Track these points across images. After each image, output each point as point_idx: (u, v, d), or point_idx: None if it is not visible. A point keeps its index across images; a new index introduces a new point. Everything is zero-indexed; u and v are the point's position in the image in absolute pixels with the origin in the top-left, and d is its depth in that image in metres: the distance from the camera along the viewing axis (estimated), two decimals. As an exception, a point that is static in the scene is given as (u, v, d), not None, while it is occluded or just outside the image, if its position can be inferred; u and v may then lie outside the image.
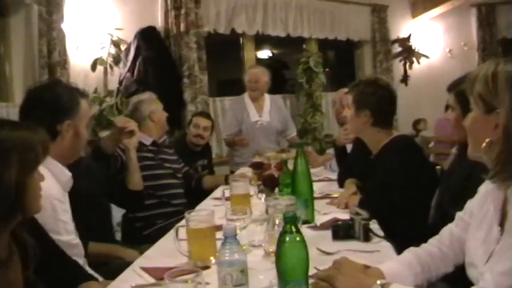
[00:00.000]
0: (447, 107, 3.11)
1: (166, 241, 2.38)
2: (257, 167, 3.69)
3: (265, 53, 8.70)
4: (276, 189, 2.86)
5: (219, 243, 1.84)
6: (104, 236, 2.85)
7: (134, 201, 3.31)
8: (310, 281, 1.53)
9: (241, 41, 7.27)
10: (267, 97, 5.61)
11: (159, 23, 6.18)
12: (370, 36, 8.23)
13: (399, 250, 1.96)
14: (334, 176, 3.71)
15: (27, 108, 2.35)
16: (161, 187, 3.74)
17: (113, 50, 5.64)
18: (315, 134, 7.28)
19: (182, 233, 2.07)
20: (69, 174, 2.29)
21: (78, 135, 2.39)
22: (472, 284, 1.54)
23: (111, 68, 5.66)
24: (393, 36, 8.43)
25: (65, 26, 5.12)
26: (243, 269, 1.52)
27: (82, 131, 2.42)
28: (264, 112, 5.54)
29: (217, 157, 6.44)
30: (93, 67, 5.49)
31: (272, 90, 5.80)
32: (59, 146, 2.23)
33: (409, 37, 8.50)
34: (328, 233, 2.30)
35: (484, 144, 1.51)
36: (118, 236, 3.60)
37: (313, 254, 1.56)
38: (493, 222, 1.57)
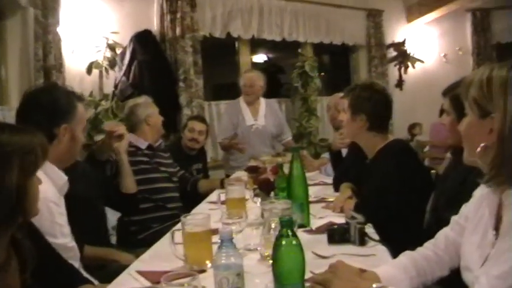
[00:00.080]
0: (442, 112, 3.13)
1: (162, 245, 2.38)
2: (253, 171, 3.69)
3: (260, 57, 8.71)
4: (272, 193, 2.86)
5: (214, 247, 1.85)
6: (99, 239, 2.85)
7: (129, 204, 3.31)
8: (306, 284, 1.53)
9: (236, 45, 7.28)
10: (262, 101, 5.61)
11: (154, 26, 6.19)
12: (365, 40, 8.25)
13: (394, 254, 1.96)
14: (330, 180, 3.72)
15: (24, 112, 2.35)
16: (156, 191, 3.74)
17: (108, 54, 5.64)
18: (310, 138, 7.29)
19: (178, 236, 2.07)
20: (65, 177, 2.29)
21: (74, 139, 2.39)
22: (467, 288, 1.55)
23: (107, 71, 5.65)
24: (388, 41, 8.46)
25: (60, 29, 5.11)
26: (240, 272, 1.52)
27: (79, 135, 2.42)
28: (260, 116, 5.53)
29: (213, 161, 6.44)
30: (89, 71, 5.49)
31: (267, 95, 5.80)
32: (55, 150, 2.23)
33: (404, 42, 8.53)
34: (324, 237, 2.30)
35: (478, 149, 1.51)
36: (113, 239, 3.59)
37: (309, 258, 1.56)
38: (488, 226, 1.57)
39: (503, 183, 1.48)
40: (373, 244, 2.21)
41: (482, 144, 1.50)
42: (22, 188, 1.55)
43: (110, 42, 5.62)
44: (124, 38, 5.75)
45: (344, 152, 3.84)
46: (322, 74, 7.95)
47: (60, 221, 2.18)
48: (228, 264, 1.52)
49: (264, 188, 2.89)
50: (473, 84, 1.53)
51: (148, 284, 1.88)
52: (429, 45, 8.81)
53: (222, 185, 3.84)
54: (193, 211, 3.10)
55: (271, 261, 1.53)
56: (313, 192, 3.19)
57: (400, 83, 8.63)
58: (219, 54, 7.59)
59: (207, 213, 2.13)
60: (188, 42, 6.14)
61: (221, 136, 5.61)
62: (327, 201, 3.15)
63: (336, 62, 9.27)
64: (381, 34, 8.29)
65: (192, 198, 3.86)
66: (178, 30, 6.10)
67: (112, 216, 3.53)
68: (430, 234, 1.92)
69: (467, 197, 1.78)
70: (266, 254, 1.92)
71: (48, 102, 2.35)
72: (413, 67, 8.66)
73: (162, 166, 3.86)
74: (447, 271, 1.79)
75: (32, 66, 4.97)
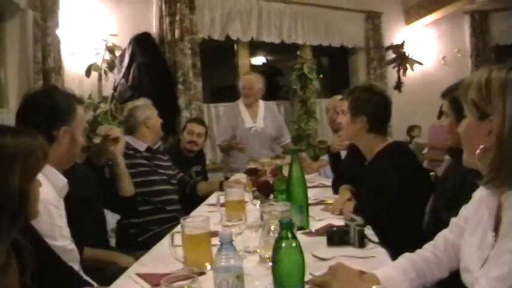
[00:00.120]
0: (440, 114, 3.13)
1: (161, 247, 2.38)
2: (252, 173, 3.69)
3: (259, 60, 8.71)
4: (271, 196, 2.86)
5: (214, 249, 1.85)
6: (98, 242, 2.84)
7: (127, 207, 3.31)
8: (306, 286, 1.54)
9: (235, 48, 7.28)
10: (261, 103, 5.61)
11: (153, 29, 6.18)
12: (364, 42, 8.25)
13: (394, 256, 1.97)
14: (329, 182, 3.72)
15: (24, 114, 2.35)
16: (156, 193, 3.74)
17: (107, 56, 5.64)
18: (309, 140, 7.28)
19: (177, 239, 2.07)
20: (65, 180, 2.29)
21: (74, 141, 2.40)
22: (467, 290, 1.55)
23: (106, 74, 5.65)
24: (387, 43, 8.46)
25: (59, 31, 5.11)
26: (239, 274, 1.53)
27: (78, 137, 2.43)
28: (258, 118, 5.54)
29: (211, 163, 6.44)
30: (88, 73, 5.49)
31: (266, 97, 5.80)
32: (55, 152, 2.23)
33: (402, 44, 8.54)
34: (323, 239, 2.31)
35: (478, 151, 1.52)
36: (112, 242, 3.59)
37: (308, 260, 1.56)
38: (487, 228, 1.58)
39: (502, 184, 1.49)
40: (372, 246, 2.22)
41: (481, 146, 1.51)
42: (24, 190, 1.55)
43: (109, 44, 5.62)
44: (123, 40, 5.75)
45: (343, 154, 3.84)
46: (321, 76, 7.96)
47: (60, 223, 2.18)
48: (227, 266, 1.52)
49: (263, 190, 2.89)
50: (472, 86, 1.54)
51: (148, 286, 1.88)
52: (428, 48, 8.82)
53: (221, 188, 3.85)
54: (193, 213, 3.10)
55: (271, 264, 1.53)
56: (312, 194, 3.19)
57: (398, 85, 8.63)
58: (218, 57, 7.59)
59: (206, 216, 2.14)
60: (187, 45, 6.14)
61: (220, 138, 5.60)
62: (326, 203, 3.15)
63: (334, 64, 9.27)
64: (380, 36, 8.29)
65: (191, 200, 3.86)
66: (177, 33, 6.10)
67: (111, 219, 3.53)
68: (430, 236, 1.92)
69: (466, 198, 1.79)
70: (266, 256, 1.92)
71: (48, 105, 2.36)
72: (412, 69, 8.66)
73: (161, 168, 3.86)
74: (446, 273, 1.79)
75: (31, 68, 4.97)
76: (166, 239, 2.27)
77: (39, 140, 1.64)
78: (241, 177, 4.17)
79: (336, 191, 3.35)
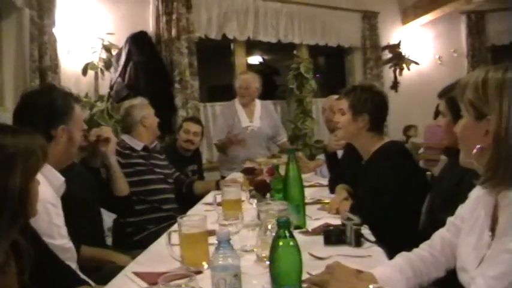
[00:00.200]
0: (436, 113, 3.15)
1: (158, 246, 2.38)
2: (249, 172, 3.69)
3: (256, 59, 8.70)
4: (268, 195, 2.86)
5: (211, 248, 1.86)
6: (95, 241, 2.84)
7: (123, 207, 3.30)
8: (304, 285, 1.54)
9: (232, 47, 7.27)
10: (257, 103, 5.61)
11: (150, 28, 6.17)
12: (361, 42, 8.25)
13: (390, 255, 1.97)
14: (325, 181, 3.73)
15: (21, 113, 2.36)
16: (152, 192, 3.73)
17: (104, 55, 5.62)
18: (306, 140, 7.29)
19: (174, 238, 2.07)
20: (62, 178, 2.29)
21: (71, 140, 2.40)
22: (463, 289, 1.56)
23: (102, 72, 5.64)
24: (383, 43, 8.47)
25: (56, 30, 5.10)
26: (237, 273, 1.53)
27: (76, 136, 2.43)
28: (255, 118, 5.53)
29: (208, 162, 6.44)
30: (84, 72, 5.47)
31: (263, 96, 5.79)
32: (52, 151, 2.22)
33: (399, 44, 8.55)
34: (320, 238, 2.31)
35: (474, 151, 1.52)
36: (109, 241, 3.58)
37: (305, 259, 1.56)
38: (484, 227, 1.58)
39: (499, 184, 1.49)
40: (369, 245, 2.23)
41: (478, 146, 1.51)
42: (24, 190, 1.55)
43: (106, 43, 5.61)
44: (120, 39, 5.74)
45: (339, 153, 3.85)
46: (318, 75, 7.95)
47: (58, 222, 2.18)
48: (225, 265, 1.52)
49: (260, 190, 2.89)
50: (469, 86, 1.54)
51: (145, 285, 1.88)
52: (424, 48, 8.84)
53: (217, 187, 3.85)
54: (189, 212, 3.10)
55: (268, 262, 1.53)
56: (308, 193, 3.19)
57: (395, 85, 8.65)
58: (215, 56, 7.58)
59: (203, 215, 2.14)
60: (184, 44, 6.13)
61: (216, 138, 5.59)
62: (322, 202, 3.16)
63: (331, 64, 9.27)
64: (376, 36, 8.30)
65: (187, 199, 3.86)
66: (173, 32, 6.09)
67: (108, 218, 3.53)
68: (426, 236, 1.93)
69: (463, 198, 1.79)
70: (263, 255, 1.93)
71: (45, 104, 2.36)
72: (409, 69, 8.68)
73: (157, 168, 3.86)
74: (443, 272, 1.80)
75: (27, 67, 4.95)
76: (163, 238, 2.27)
77: (38, 139, 1.65)
78: (238, 176, 4.17)
79: (332, 191, 3.36)
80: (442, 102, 2.53)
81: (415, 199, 2.77)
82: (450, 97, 2.35)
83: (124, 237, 3.62)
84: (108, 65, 5.66)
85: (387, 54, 8.55)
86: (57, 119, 2.36)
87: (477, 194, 1.69)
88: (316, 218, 2.77)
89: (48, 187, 2.17)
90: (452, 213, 1.83)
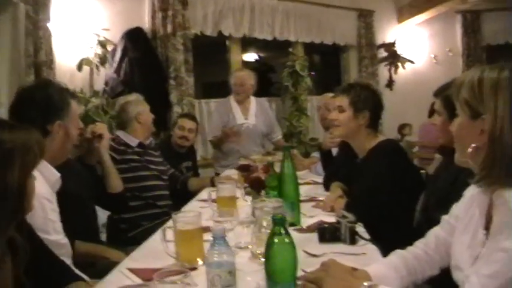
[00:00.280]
0: (431, 112, 3.16)
1: (153, 242, 2.38)
2: (244, 169, 3.70)
3: (251, 56, 8.70)
4: (263, 192, 2.87)
5: (205, 245, 1.86)
6: (89, 237, 2.83)
7: (116, 203, 3.30)
8: (298, 283, 1.54)
9: (227, 44, 7.26)
10: (252, 100, 5.60)
11: (146, 24, 6.16)
12: (356, 40, 8.26)
13: (385, 253, 1.98)
14: (320, 179, 3.73)
15: (18, 108, 2.35)
16: (146, 189, 3.73)
17: (99, 51, 5.60)
18: (300, 137, 7.29)
19: (169, 234, 2.07)
20: (58, 174, 2.29)
21: (68, 136, 2.40)
22: (457, 287, 1.56)
23: (97, 68, 5.62)
24: (379, 41, 8.47)
25: (52, 25, 5.09)
26: (232, 270, 1.53)
27: (72, 132, 2.43)
28: (250, 115, 5.53)
29: (202, 159, 6.44)
30: (79, 67, 5.45)
31: (258, 93, 5.79)
32: (49, 147, 2.22)
33: (394, 42, 8.55)
34: (315, 236, 2.32)
35: (470, 150, 1.53)
36: (103, 237, 3.58)
37: (300, 257, 1.56)
38: (478, 226, 1.59)
39: (493, 183, 1.50)
40: (363, 243, 2.23)
41: (473, 145, 1.52)
42: (22, 186, 1.55)
43: (101, 39, 5.59)
44: (115, 35, 5.73)
45: (334, 151, 3.85)
46: (313, 73, 7.95)
47: (53, 217, 2.18)
48: (220, 261, 1.52)
49: (255, 187, 2.90)
50: (465, 85, 1.55)
51: (139, 281, 1.89)
52: (419, 46, 8.84)
53: (212, 184, 3.85)
54: (184, 209, 3.10)
55: (263, 259, 1.54)
56: (303, 191, 3.19)
57: (390, 84, 8.65)
58: (210, 53, 7.57)
59: (198, 211, 2.14)
60: (179, 40, 6.12)
61: (211, 134, 5.59)
62: (317, 200, 3.16)
63: (326, 62, 9.27)
64: (372, 34, 8.30)
65: (181, 196, 3.86)
66: (169, 28, 6.08)
67: (102, 214, 3.52)
68: (420, 234, 1.93)
69: (457, 196, 1.80)
70: (257, 252, 1.93)
71: (42, 99, 2.35)
72: (404, 68, 8.68)
73: (152, 164, 3.86)
74: (437, 270, 1.81)
75: (22, 62, 4.94)
76: (157, 234, 2.27)
77: (35, 134, 1.64)
78: (232, 173, 4.17)
79: (327, 188, 3.36)
80: (437, 101, 2.54)
81: (410, 197, 2.79)
82: (446, 96, 2.36)
83: (118, 233, 3.63)
84: (103, 60, 5.64)
85: (382, 53, 8.56)
86: (53, 115, 2.35)
87: (472, 192, 1.70)
88: (310, 215, 2.78)
89: (44, 182, 2.17)
90: (446, 212, 1.83)
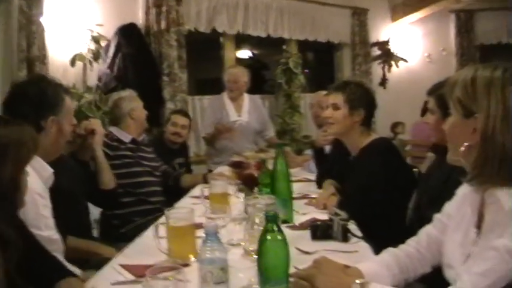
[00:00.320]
0: (423, 111, 3.17)
1: (145, 238, 2.38)
2: (237, 166, 3.70)
3: (245, 53, 8.70)
4: (255, 189, 2.87)
5: (198, 242, 1.86)
6: (81, 232, 2.83)
7: (108, 200, 3.29)
8: (290, 280, 1.55)
9: (221, 40, 7.25)
10: (246, 97, 5.60)
11: (139, 20, 6.15)
12: (350, 38, 8.26)
13: (377, 251, 1.98)
14: (313, 176, 3.74)
15: (11, 104, 2.34)
16: (139, 185, 3.73)
17: (92, 46, 5.57)
18: (293, 135, 7.30)
19: (161, 230, 2.07)
20: (51, 170, 2.28)
21: (61, 132, 2.39)
22: (449, 285, 1.56)
23: (91, 64, 5.58)
24: (373, 40, 8.48)
25: (45, 20, 5.06)
26: (224, 266, 1.53)
27: (66, 128, 2.42)
28: (243, 112, 5.53)
29: (195, 156, 6.42)
30: (73, 62, 5.42)
31: (251, 90, 5.79)
32: (42, 142, 2.21)
33: (388, 41, 8.56)
34: (307, 233, 2.32)
35: (462, 148, 1.53)
36: (95, 233, 3.57)
37: (292, 254, 1.56)
38: (470, 224, 1.60)
39: (485, 182, 1.50)
40: (355, 241, 2.24)
41: (465, 144, 1.53)
42: (15, 181, 1.55)
43: (95, 34, 5.56)
44: (109, 30, 5.70)
45: (327, 149, 3.86)
46: (306, 71, 7.96)
47: (45, 213, 2.17)
48: (212, 258, 1.52)
49: (248, 183, 2.90)
50: (458, 84, 1.55)
51: (131, 277, 1.88)
52: (413, 45, 8.85)
53: (204, 180, 3.85)
54: (176, 205, 3.10)
55: (255, 256, 1.54)
56: (296, 188, 3.19)
57: (383, 82, 8.66)
58: (204, 49, 7.57)
59: (190, 208, 2.14)
60: (173, 36, 6.11)
61: (204, 131, 5.59)
62: (310, 197, 3.17)
63: (320, 60, 9.28)
64: (366, 32, 8.31)
65: (174, 192, 3.85)
66: (163, 24, 6.07)
67: (95, 210, 3.51)
68: (412, 232, 1.93)
69: (450, 195, 1.80)
70: (250, 249, 1.93)
71: (36, 95, 2.35)
72: (397, 66, 8.69)
73: (145, 160, 3.85)
74: (429, 268, 1.81)
75: (15, 57, 4.91)
76: (150, 231, 2.27)
77: (29, 130, 1.64)
78: (225, 170, 4.17)
79: (319, 186, 3.37)
80: (431, 100, 2.55)
81: (403, 196, 2.80)
82: (440, 94, 2.36)
83: (111, 229, 3.62)
84: (96, 56, 5.61)
85: (376, 51, 8.57)
86: (47, 110, 2.35)
87: (464, 191, 1.71)
88: (303, 212, 2.78)
89: (37, 178, 2.16)
90: (439, 210, 1.84)
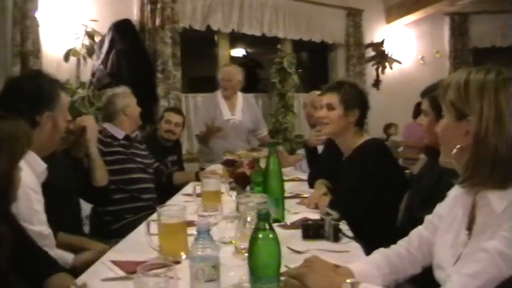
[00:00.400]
0: (415, 113, 3.18)
1: (137, 235, 2.39)
2: (230, 164, 3.70)
3: (239, 52, 8.69)
4: (248, 187, 2.87)
5: (189, 239, 1.86)
6: (72, 228, 2.82)
7: (100, 197, 3.29)
8: (281, 278, 1.55)
9: (216, 39, 7.25)
10: (239, 95, 5.60)
11: (134, 16, 6.14)
12: (344, 39, 8.28)
13: (368, 251, 1.99)
14: (305, 176, 3.75)
15: (7, 99, 2.34)
16: (131, 181, 3.72)
17: (86, 42, 5.57)
18: (286, 134, 7.30)
19: (153, 227, 2.07)
20: (45, 165, 2.28)
21: (56, 127, 2.40)
22: (439, 286, 1.57)
23: (85, 59, 5.58)
24: (367, 41, 8.50)
25: (40, 15, 5.05)
26: (215, 264, 1.53)
27: (60, 123, 2.42)
28: (237, 111, 5.52)
29: (188, 153, 6.42)
30: (66, 58, 5.42)
31: (245, 89, 5.78)
32: (37, 137, 2.22)
33: (382, 42, 8.59)
34: (298, 232, 2.33)
35: (454, 150, 1.54)
36: (86, 229, 3.56)
37: (284, 253, 1.57)
38: (461, 226, 1.61)
39: (477, 184, 1.51)
40: (346, 241, 2.25)
41: (458, 146, 1.53)
42: (9, 175, 1.54)
43: (89, 29, 5.56)
44: (103, 26, 5.68)
45: (320, 149, 3.86)
46: (300, 70, 7.97)
47: (38, 208, 2.17)
48: (204, 255, 1.52)
49: (240, 182, 2.90)
50: (451, 86, 1.56)
51: (122, 273, 1.88)
52: (407, 47, 8.88)
53: (196, 178, 3.85)
54: (168, 203, 3.09)
55: (246, 254, 1.54)
56: (288, 188, 3.19)
57: (377, 83, 8.69)
58: (198, 47, 7.56)
59: (182, 205, 2.14)
60: (167, 34, 6.11)
61: (198, 129, 5.58)
62: (301, 197, 3.17)
63: (314, 60, 9.28)
64: (360, 34, 8.33)
65: (166, 190, 3.86)
66: (158, 21, 6.07)
67: (86, 206, 3.51)
68: (404, 233, 1.94)
69: (441, 197, 1.81)
70: (241, 247, 1.93)
71: (32, 90, 2.35)
72: (391, 68, 8.72)
73: (138, 157, 3.85)
74: (419, 269, 1.82)
75: (9, 51, 4.90)
76: (142, 227, 2.27)
77: (23, 125, 1.64)
78: (217, 168, 4.17)
79: (311, 185, 3.38)
80: (425, 101, 2.55)
81: (394, 197, 2.81)
82: (434, 96, 2.36)
83: (102, 225, 3.61)
84: (90, 51, 5.61)
85: (370, 52, 8.59)
86: (43, 106, 2.35)
87: (455, 193, 1.71)
88: (295, 212, 2.79)
89: (30, 173, 2.16)
90: (430, 212, 1.85)
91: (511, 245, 1.38)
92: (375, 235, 2.16)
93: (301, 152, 4.78)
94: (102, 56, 5.65)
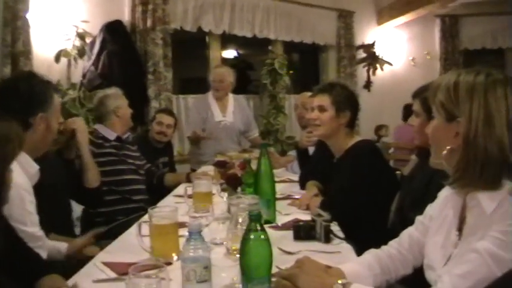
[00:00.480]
0: (405, 115, 3.20)
1: (128, 236, 2.38)
2: (221, 165, 3.70)
3: (230, 53, 8.69)
4: (239, 189, 2.87)
5: (181, 240, 1.86)
6: (63, 230, 2.81)
7: (92, 198, 3.29)
8: (273, 279, 1.55)
9: (207, 40, 7.25)
10: (230, 97, 5.59)
11: (125, 17, 6.13)
12: (336, 41, 8.32)
13: (359, 252, 1.99)
14: (296, 177, 3.75)
15: (2, 98, 2.33)
16: (123, 182, 3.71)
17: (77, 42, 5.54)
18: (277, 136, 7.31)
19: (145, 228, 2.07)
20: (37, 166, 2.28)
21: (49, 129, 2.40)
22: (430, 286, 1.58)
23: (75, 60, 5.56)
24: (358, 42, 8.54)
25: (30, 16, 5.03)
26: (207, 265, 1.53)
27: (53, 125, 2.43)
28: (228, 112, 5.52)
29: (179, 155, 6.42)
30: (57, 59, 5.40)
31: (236, 91, 5.78)
32: (29, 139, 2.21)
33: (373, 44, 8.62)
34: (290, 233, 2.33)
35: (444, 152, 1.55)
36: (77, 230, 3.55)
37: (275, 254, 1.56)
38: (451, 227, 1.62)
39: (467, 185, 1.52)
40: (338, 241, 2.25)
41: (448, 147, 1.54)
42: (1, 177, 1.54)
43: (80, 31, 5.54)
44: (94, 27, 5.67)
45: (311, 150, 3.87)
46: (291, 72, 7.98)
47: (30, 209, 2.17)
48: (195, 256, 1.52)
49: (232, 183, 2.90)
50: (441, 88, 1.57)
51: (113, 275, 1.88)
52: (398, 49, 8.93)
53: (188, 179, 3.85)
54: (160, 204, 3.09)
55: (238, 255, 1.54)
56: (279, 189, 3.20)
57: (368, 85, 8.72)
58: (189, 48, 7.56)
59: (174, 206, 2.14)
60: (159, 35, 6.10)
61: (189, 131, 5.57)
62: (293, 198, 3.18)
63: (305, 61, 9.30)
64: (351, 35, 8.37)
65: (158, 191, 3.85)
66: (149, 22, 6.06)
67: (77, 207, 3.50)
68: (394, 234, 1.95)
69: (432, 198, 1.82)
70: (233, 248, 1.93)
71: (25, 91, 2.35)
72: (382, 69, 8.76)
73: (129, 158, 3.84)
74: (410, 269, 1.83)
75: (-1, 52, 4.89)
76: (132, 229, 2.26)
77: (15, 127, 1.64)
78: (209, 169, 4.17)
79: (303, 187, 3.38)
80: (416, 102, 2.56)
81: (385, 198, 2.81)
82: (425, 97, 2.37)
83: (93, 227, 3.58)
84: (81, 52, 5.58)
85: (361, 54, 8.62)
86: (36, 107, 2.35)
87: (446, 194, 1.72)
88: (286, 213, 2.80)
89: (23, 174, 2.16)
90: (421, 212, 1.86)
91: (501, 245, 1.39)
92: (366, 236, 2.16)
93: (292, 153, 4.79)
94: (93, 57, 5.63)
